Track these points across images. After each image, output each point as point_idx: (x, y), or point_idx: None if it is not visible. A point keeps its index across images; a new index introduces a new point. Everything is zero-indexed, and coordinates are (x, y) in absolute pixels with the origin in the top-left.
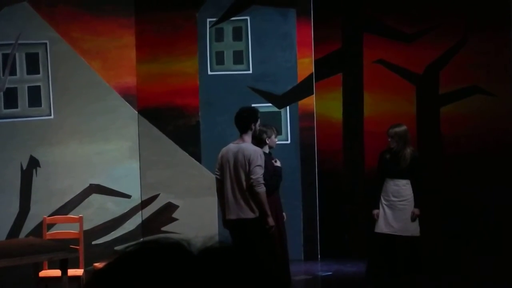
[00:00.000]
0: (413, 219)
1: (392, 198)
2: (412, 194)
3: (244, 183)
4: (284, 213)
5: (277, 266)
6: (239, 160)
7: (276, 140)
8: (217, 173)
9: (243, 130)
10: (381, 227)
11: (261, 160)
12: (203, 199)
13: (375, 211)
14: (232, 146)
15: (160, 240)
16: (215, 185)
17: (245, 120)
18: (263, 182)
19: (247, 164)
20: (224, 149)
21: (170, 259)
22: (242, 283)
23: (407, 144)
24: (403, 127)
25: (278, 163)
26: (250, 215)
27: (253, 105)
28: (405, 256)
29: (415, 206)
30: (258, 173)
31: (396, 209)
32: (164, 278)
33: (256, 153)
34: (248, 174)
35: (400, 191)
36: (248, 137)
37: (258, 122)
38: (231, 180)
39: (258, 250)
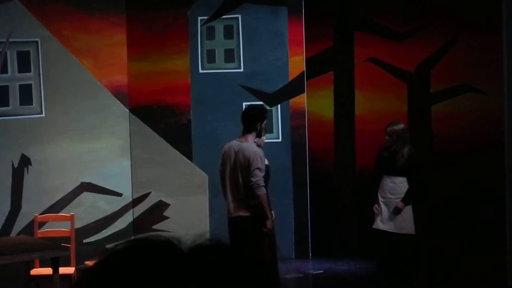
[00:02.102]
0: (394, 212)
1: (388, 195)
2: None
3: (241, 182)
4: (272, 212)
5: (266, 265)
6: (239, 160)
7: (264, 138)
8: (220, 170)
9: (247, 129)
10: (378, 223)
11: (261, 163)
12: (194, 197)
13: (376, 206)
14: (234, 144)
15: (150, 238)
16: (206, 183)
17: (252, 119)
18: (263, 184)
19: (246, 165)
20: (226, 146)
21: (160, 257)
22: (232, 280)
23: (405, 143)
24: (401, 125)
25: (266, 162)
26: (245, 213)
27: (244, 103)
28: (403, 254)
29: (402, 200)
30: (258, 175)
31: (392, 206)
32: (154, 276)
33: (256, 155)
34: (247, 175)
35: (397, 188)
36: (251, 137)
37: (265, 122)
38: (230, 178)
39: (249, 248)
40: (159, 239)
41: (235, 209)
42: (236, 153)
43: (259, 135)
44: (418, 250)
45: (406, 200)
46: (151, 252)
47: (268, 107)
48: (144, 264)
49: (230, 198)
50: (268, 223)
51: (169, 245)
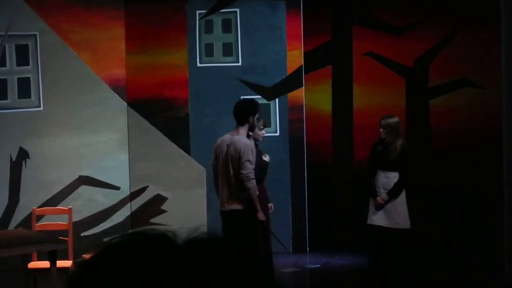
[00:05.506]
0: (376, 206)
1: (382, 190)
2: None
3: (232, 175)
4: (271, 204)
5: (261, 258)
6: (230, 153)
7: (262, 133)
8: (213, 164)
9: (239, 122)
10: (372, 219)
11: (251, 155)
12: (192, 191)
13: (378, 198)
14: (226, 137)
15: (145, 232)
16: (203, 177)
17: (244, 112)
18: (253, 177)
19: (237, 158)
20: (219, 140)
21: (155, 250)
22: (227, 273)
23: (398, 136)
24: (395, 119)
25: (266, 158)
26: (237, 206)
27: (242, 97)
28: (397, 249)
29: (387, 193)
30: (248, 168)
31: (387, 201)
32: (149, 269)
33: (247, 148)
34: (238, 167)
35: (391, 183)
36: (243, 130)
37: (257, 116)
38: (222, 171)
39: (243, 241)
40: (154, 232)
41: (227, 202)
42: (228, 146)
43: (251, 128)
44: (412, 245)
45: (390, 193)
46: (146, 245)
47: (266, 101)
48: (139, 257)
49: (221, 190)
50: (259, 216)
51: (164, 239)
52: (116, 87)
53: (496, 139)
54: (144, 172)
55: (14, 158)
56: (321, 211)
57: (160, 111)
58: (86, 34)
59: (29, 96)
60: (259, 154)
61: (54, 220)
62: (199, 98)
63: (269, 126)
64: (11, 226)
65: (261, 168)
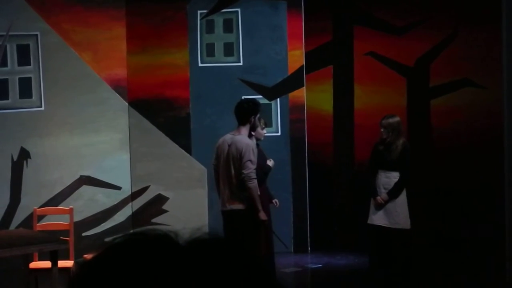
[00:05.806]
0: (376, 205)
1: (383, 190)
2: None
3: (233, 175)
4: (276, 200)
5: (263, 257)
6: (232, 152)
7: (264, 132)
8: (214, 163)
9: (241, 121)
10: (372, 218)
11: (253, 155)
12: (193, 191)
13: (378, 198)
14: (228, 137)
15: (147, 232)
16: (205, 177)
17: (245, 112)
18: (254, 177)
19: (238, 158)
20: (220, 139)
21: (157, 251)
22: (229, 273)
23: (399, 135)
24: (397, 118)
25: (270, 163)
26: (238, 206)
27: (243, 97)
28: (397, 249)
29: (387, 193)
30: (250, 168)
31: (387, 201)
32: (151, 269)
33: (248, 147)
34: (239, 167)
35: (391, 183)
36: (245, 130)
37: (258, 116)
38: (223, 170)
39: (245, 241)
40: (157, 232)
41: (229, 202)
42: (229, 146)
43: (253, 128)
44: (412, 245)
45: (390, 192)
46: (148, 245)
47: (267, 101)
48: (141, 257)
49: (223, 190)
50: (261, 215)
51: (166, 239)
52: (117, 87)
53: (497, 139)
54: (145, 172)
55: (15, 158)
56: (322, 211)
57: (161, 111)
58: (87, 34)
59: (30, 96)
60: (263, 156)
61: (55, 220)
62: (200, 98)
63: (270, 126)
64: (12, 226)
65: (263, 171)
